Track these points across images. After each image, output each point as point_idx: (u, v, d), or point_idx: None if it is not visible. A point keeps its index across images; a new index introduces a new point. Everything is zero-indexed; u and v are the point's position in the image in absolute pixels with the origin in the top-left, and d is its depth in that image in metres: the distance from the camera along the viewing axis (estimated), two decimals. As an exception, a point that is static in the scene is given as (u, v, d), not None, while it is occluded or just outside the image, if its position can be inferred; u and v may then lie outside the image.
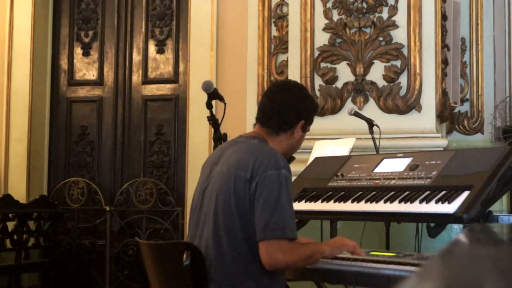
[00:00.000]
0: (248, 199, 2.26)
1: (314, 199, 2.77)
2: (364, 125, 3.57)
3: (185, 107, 5.32)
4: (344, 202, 2.63)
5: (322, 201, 2.72)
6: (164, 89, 5.61)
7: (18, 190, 5.46)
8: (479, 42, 5.01)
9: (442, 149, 4.09)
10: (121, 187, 5.52)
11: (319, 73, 4.46)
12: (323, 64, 4.46)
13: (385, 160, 2.78)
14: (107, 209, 5.38)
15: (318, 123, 4.36)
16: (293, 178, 3.03)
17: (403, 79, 4.32)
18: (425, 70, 4.28)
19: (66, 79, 5.86)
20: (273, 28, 4.92)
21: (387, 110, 4.32)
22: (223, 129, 2.95)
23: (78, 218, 5.54)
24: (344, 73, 4.42)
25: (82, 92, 5.82)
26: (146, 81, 5.65)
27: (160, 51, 5.62)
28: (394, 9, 4.36)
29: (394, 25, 4.35)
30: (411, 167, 2.61)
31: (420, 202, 2.36)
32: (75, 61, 5.85)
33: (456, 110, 4.99)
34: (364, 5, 4.41)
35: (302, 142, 2.57)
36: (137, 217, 5.43)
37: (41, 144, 5.75)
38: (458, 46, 4.90)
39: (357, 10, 4.41)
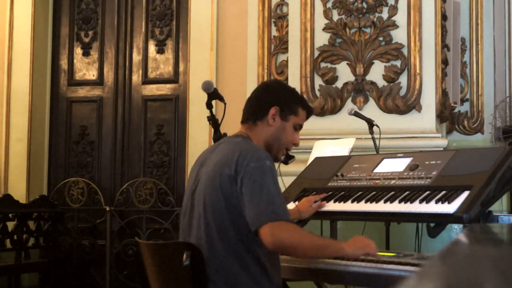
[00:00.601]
0: (236, 196, 2.27)
1: (314, 199, 2.76)
2: (364, 125, 3.57)
3: (185, 107, 5.32)
4: (344, 202, 2.63)
5: (322, 201, 2.72)
6: (164, 89, 5.61)
7: (18, 190, 5.46)
8: (479, 42, 5.01)
9: (442, 149, 4.09)
10: (121, 187, 5.52)
11: (319, 73, 4.46)
12: (323, 64, 4.46)
13: (385, 160, 2.78)
14: (107, 209, 5.38)
15: (318, 123, 4.37)
16: (293, 178, 3.04)
17: (403, 79, 4.32)
18: (425, 70, 4.28)
19: (66, 79, 5.86)
20: (273, 28, 4.92)
21: (387, 110, 4.32)
22: (223, 129, 2.94)
23: (78, 218, 5.54)
24: (344, 73, 4.42)
25: (82, 92, 5.82)
26: (146, 81, 5.65)
27: (160, 51, 5.62)
28: (394, 9, 4.36)
29: (394, 25, 4.35)
30: (411, 167, 2.61)
31: (420, 202, 2.36)
32: (75, 61, 5.85)
33: (456, 110, 4.99)
34: (364, 5, 4.41)
35: (294, 136, 2.53)
36: (137, 217, 5.44)
37: (41, 144, 5.75)
38: (458, 46, 4.90)
39: (357, 10, 4.41)
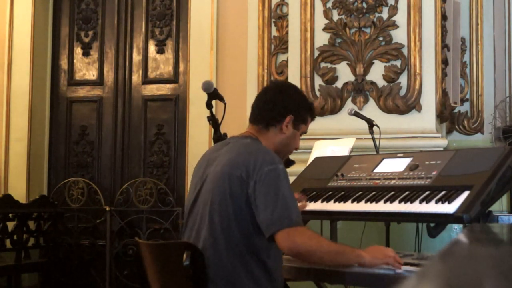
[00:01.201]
0: (244, 198, 2.26)
1: (314, 199, 2.77)
2: (364, 125, 3.57)
3: (185, 107, 5.32)
4: (344, 202, 2.63)
5: (322, 201, 2.72)
6: (164, 89, 5.61)
7: (18, 190, 5.47)
8: (479, 42, 5.01)
9: (442, 149, 4.09)
10: (121, 187, 5.52)
11: (319, 73, 4.46)
12: (323, 64, 4.46)
13: (385, 160, 2.78)
14: (107, 209, 5.38)
15: (318, 123, 4.36)
16: (293, 178, 3.04)
17: (403, 79, 4.32)
18: (425, 70, 4.28)
19: (66, 79, 5.87)
20: (273, 28, 4.92)
21: (387, 110, 4.31)
22: (223, 129, 2.95)
23: (78, 218, 5.54)
24: (344, 73, 4.42)
25: (82, 92, 5.83)
26: (146, 81, 5.65)
27: (160, 51, 5.62)
28: (394, 9, 4.36)
29: (394, 25, 4.35)
30: (411, 167, 2.61)
31: (420, 202, 2.36)
32: (75, 61, 5.85)
33: (456, 110, 4.99)
34: (364, 5, 4.41)
35: (297, 142, 2.55)
36: (137, 217, 5.44)
37: (41, 144, 5.75)
38: (458, 46, 4.90)
39: (357, 10, 4.41)
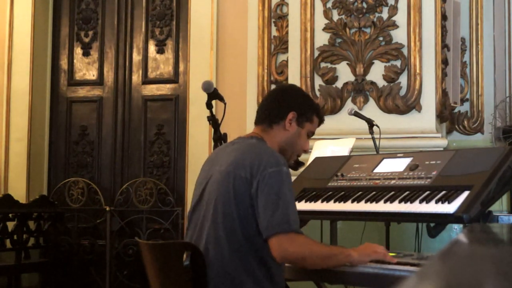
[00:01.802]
0: (248, 198, 2.26)
1: (314, 199, 2.77)
2: (364, 125, 3.57)
3: (185, 107, 5.32)
4: (344, 202, 2.63)
5: (322, 201, 2.72)
6: (164, 89, 5.61)
7: (18, 190, 5.47)
8: (479, 42, 5.01)
9: (442, 149, 4.09)
10: (121, 187, 5.52)
11: (319, 73, 4.46)
12: (323, 64, 4.47)
13: (385, 160, 2.78)
14: (107, 209, 5.38)
15: (318, 123, 4.36)
16: (293, 178, 3.04)
17: (403, 79, 4.32)
18: (425, 70, 4.28)
19: (66, 79, 5.87)
20: (273, 28, 4.92)
21: (387, 110, 4.32)
22: (223, 129, 2.95)
23: (78, 218, 5.54)
24: (344, 73, 4.42)
25: (82, 92, 5.83)
26: (146, 81, 5.65)
27: (160, 51, 5.62)
28: (394, 9, 4.36)
29: (394, 25, 4.35)
30: (411, 167, 2.61)
31: (420, 202, 2.36)
32: (75, 61, 5.85)
33: (456, 110, 4.99)
34: (364, 5, 4.41)
35: (305, 143, 2.55)
36: (137, 217, 5.44)
37: (41, 144, 5.75)
38: (458, 46, 4.90)
39: (357, 10, 4.41)
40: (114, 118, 5.70)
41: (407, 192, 2.47)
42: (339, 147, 3.47)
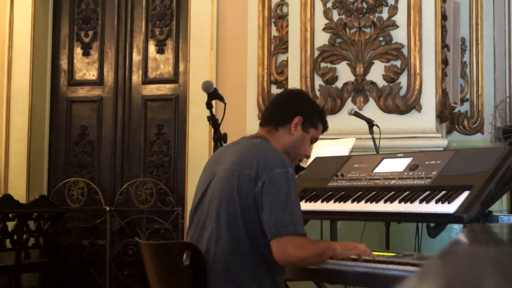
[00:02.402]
0: (252, 198, 2.26)
1: (314, 199, 2.77)
2: (364, 125, 3.57)
3: (185, 107, 5.32)
4: (344, 202, 2.63)
5: (322, 201, 2.72)
6: (164, 89, 5.61)
7: (18, 190, 5.47)
8: (479, 42, 5.01)
9: (442, 149, 4.09)
10: (121, 187, 5.52)
11: (319, 73, 4.46)
12: (323, 64, 4.46)
13: (385, 160, 2.78)
14: (107, 209, 5.38)
15: (318, 123, 4.36)
16: (293, 178, 3.04)
17: (403, 79, 4.32)
18: (425, 70, 4.27)
19: (66, 79, 5.87)
20: (273, 28, 4.92)
21: (387, 110, 4.31)
22: (223, 129, 2.95)
23: (78, 218, 5.54)
24: (344, 73, 4.42)
25: (82, 92, 5.83)
26: (146, 81, 5.65)
27: (160, 51, 5.62)
28: (394, 9, 4.36)
29: (394, 25, 4.35)
30: (411, 167, 2.61)
31: (420, 202, 2.36)
32: (75, 61, 5.85)
33: (456, 110, 4.99)
34: (364, 5, 4.41)
35: (308, 149, 2.56)
36: (137, 217, 5.44)
37: (41, 144, 5.75)
38: (458, 46, 4.90)
39: (357, 10, 4.41)
40: (114, 118, 5.70)
41: (407, 192, 2.47)
42: (339, 147, 3.47)
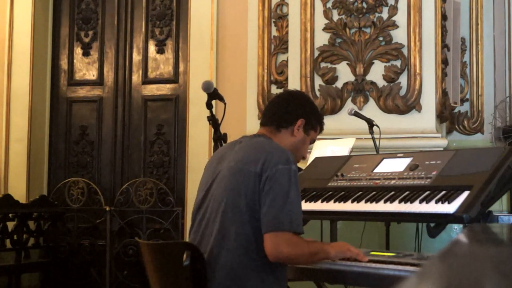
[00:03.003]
0: (257, 195, 2.27)
1: (314, 199, 2.77)
2: (364, 125, 3.57)
3: (185, 107, 5.32)
4: (344, 202, 2.63)
5: (322, 201, 2.72)
6: (164, 89, 5.61)
7: (18, 190, 5.47)
8: (479, 42, 5.01)
9: (442, 149, 4.09)
10: (121, 187, 5.52)
11: (319, 73, 4.46)
12: (323, 64, 4.46)
13: (385, 160, 2.78)
14: (107, 209, 5.38)
15: (318, 123, 4.36)
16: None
17: (403, 79, 4.32)
18: (425, 70, 4.28)
19: (66, 79, 5.87)
20: (273, 28, 4.92)
21: (387, 110, 4.32)
22: (223, 129, 2.95)
23: (78, 218, 5.54)
24: (344, 73, 4.42)
25: (82, 92, 5.83)
26: (146, 81, 5.65)
27: (160, 51, 5.62)
28: (394, 9, 4.36)
29: (394, 25, 4.35)
30: (411, 167, 2.61)
31: (420, 202, 2.36)
32: (75, 61, 5.85)
33: (456, 110, 4.99)
34: (364, 5, 4.41)
35: (306, 148, 2.58)
36: (137, 217, 5.44)
37: (41, 144, 5.75)
38: (458, 46, 4.90)
39: (357, 10, 4.41)
40: (114, 118, 5.70)
41: (407, 192, 2.47)
42: (339, 147, 3.47)
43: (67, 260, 5.46)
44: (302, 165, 3.30)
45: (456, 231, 3.72)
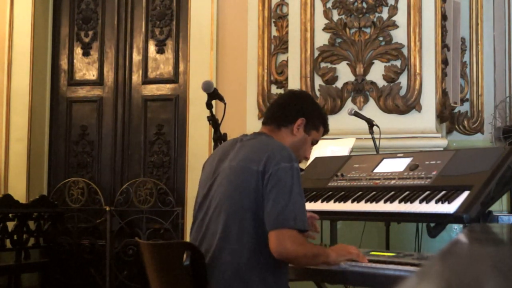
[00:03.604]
0: (260, 192, 2.27)
1: (314, 199, 2.77)
2: (364, 125, 3.57)
3: (185, 107, 5.32)
4: (344, 202, 2.63)
5: (322, 201, 2.72)
6: (164, 89, 5.61)
7: (18, 190, 5.47)
8: (479, 42, 5.01)
9: (442, 149, 4.09)
10: (121, 187, 5.52)
11: (319, 73, 4.46)
12: (323, 64, 4.47)
13: (385, 160, 2.78)
14: (107, 209, 5.38)
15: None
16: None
17: (403, 79, 4.32)
18: (425, 70, 4.28)
19: (66, 79, 5.87)
20: (273, 28, 4.92)
21: (387, 110, 4.32)
22: (223, 129, 2.95)
23: (78, 218, 5.54)
24: (344, 73, 4.42)
25: (82, 92, 5.83)
26: (146, 81, 5.65)
27: (160, 51, 5.62)
28: (394, 9, 4.36)
29: (394, 25, 4.35)
30: (411, 167, 2.61)
31: (420, 202, 2.36)
32: (75, 61, 5.85)
33: (456, 110, 4.99)
34: (364, 5, 4.41)
35: (308, 150, 2.56)
36: (137, 217, 5.43)
37: (41, 144, 5.75)
38: (458, 46, 4.90)
39: (357, 10, 4.41)
40: (114, 118, 5.70)
41: (407, 192, 2.47)
42: (339, 147, 3.47)
43: (67, 260, 5.46)
44: (302, 165, 3.30)
45: (456, 231, 3.72)
